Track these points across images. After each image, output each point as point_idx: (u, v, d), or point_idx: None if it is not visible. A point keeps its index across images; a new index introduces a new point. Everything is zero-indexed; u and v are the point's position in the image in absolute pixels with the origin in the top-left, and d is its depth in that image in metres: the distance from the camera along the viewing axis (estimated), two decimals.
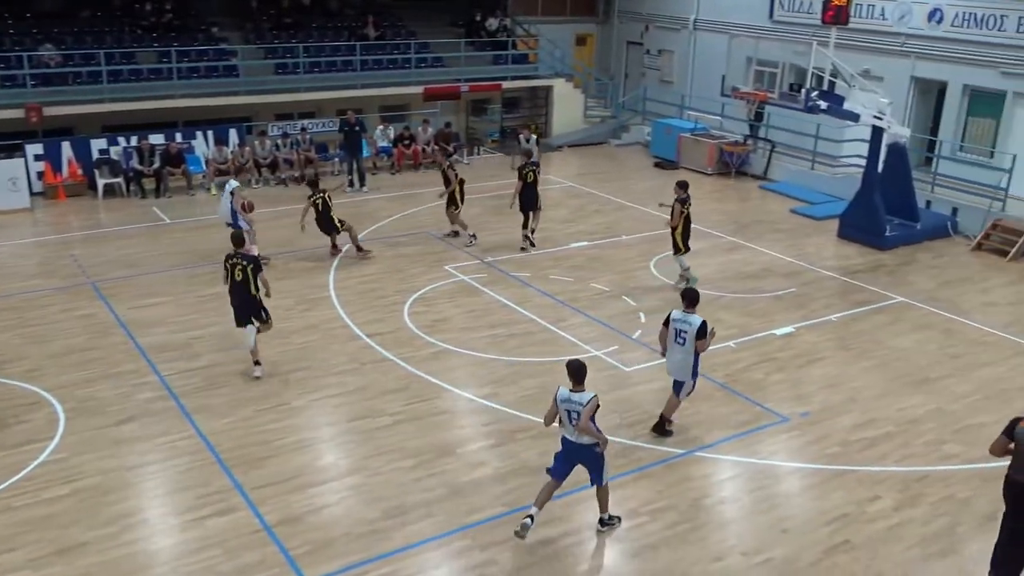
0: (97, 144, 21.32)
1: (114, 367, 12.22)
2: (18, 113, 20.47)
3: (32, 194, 20.11)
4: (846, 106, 17.46)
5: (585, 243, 17.90)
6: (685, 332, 10.21)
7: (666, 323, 10.42)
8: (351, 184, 21.75)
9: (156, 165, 21.05)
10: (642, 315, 14.26)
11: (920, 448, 10.67)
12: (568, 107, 28.17)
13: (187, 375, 12.03)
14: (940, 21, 21.18)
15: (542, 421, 9.05)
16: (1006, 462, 7.95)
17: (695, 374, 10.54)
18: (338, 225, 16.46)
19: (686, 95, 27.49)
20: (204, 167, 21.92)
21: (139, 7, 24.19)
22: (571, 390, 8.56)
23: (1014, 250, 17.62)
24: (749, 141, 24.71)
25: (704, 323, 10.19)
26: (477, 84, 26.16)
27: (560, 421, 8.67)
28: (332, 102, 24.55)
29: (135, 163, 21.04)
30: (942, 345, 13.62)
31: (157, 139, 21.54)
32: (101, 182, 20.83)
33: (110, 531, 8.80)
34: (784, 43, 20.70)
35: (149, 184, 21.10)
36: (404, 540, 8.80)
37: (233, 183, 15.94)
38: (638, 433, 10.78)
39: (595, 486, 8.89)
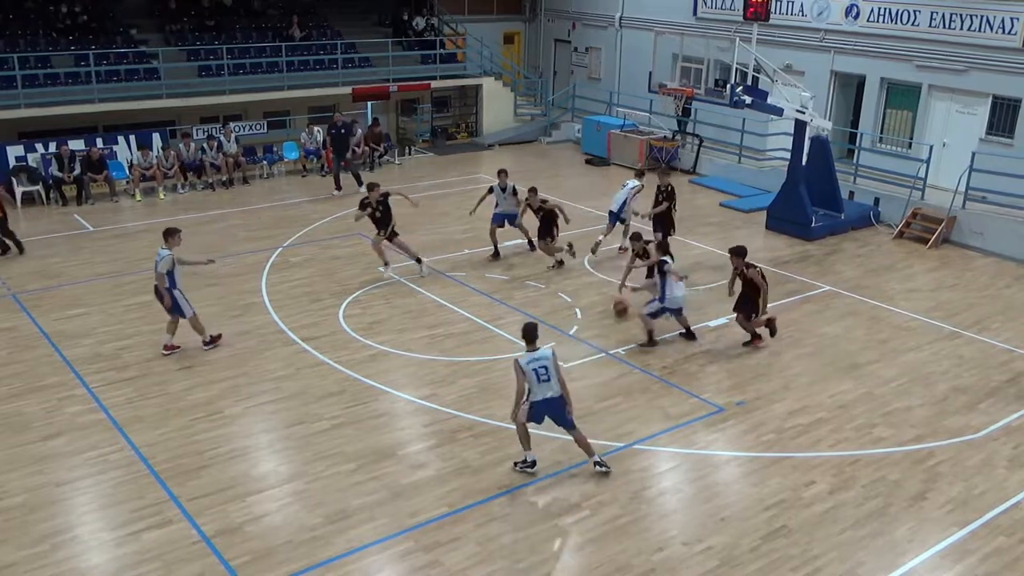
0: (14, 151, 20.60)
1: (39, 380, 11.83)
2: None
3: None
4: (770, 100, 17.85)
5: (519, 241, 17.93)
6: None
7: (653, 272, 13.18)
8: (338, 188, 21.40)
9: (77, 172, 20.42)
10: (578, 311, 14.36)
11: (851, 433, 10.96)
12: (498, 105, 28.22)
13: (117, 386, 11.70)
14: (857, 17, 21.76)
15: (510, 416, 9.79)
16: (933, 443, 8.20)
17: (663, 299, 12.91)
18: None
19: (614, 92, 27.76)
20: (128, 173, 21.35)
21: (53, 9, 23.45)
22: (528, 351, 9.40)
23: (933, 237, 18.23)
24: (677, 137, 25.08)
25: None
26: (406, 84, 26.02)
27: (529, 387, 9.41)
28: (259, 104, 24.18)
29: (54, 170, 20.38)
30: (869, 331, 14.01)
31: (77, 145, 20.89)
32: (19, 190, 20.13)
33: (39, 550, 8.52)
34: (708, 39, 21.02)
35: (70, 192, 20.48)
36: (347, 545, 8.71)
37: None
38: (579, 425, 10.82)
39: (573, 432, 9.70)
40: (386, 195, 15.50)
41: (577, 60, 30.73)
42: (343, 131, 21.75)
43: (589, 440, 9.86)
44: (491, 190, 16.83)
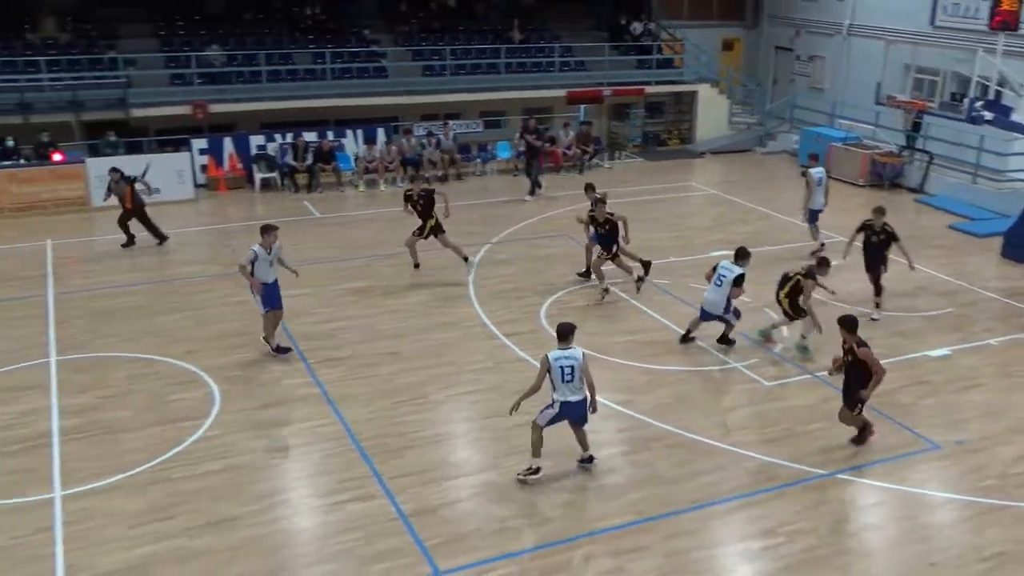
0: (255, 140, 22.46)
1: (264, 353, 12.80)
2: (186, 110, 21.79)
3: (196, 186, 21.40)
4: (1014, 117, 16.47)
5: (725, 252, 17.49)
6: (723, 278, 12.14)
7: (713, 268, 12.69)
8: (532, 193, 21.63)
9: (309, 161, 21.97)
10: (784, 330, 13.84)
11: None
12: (712, 113, 27.69)
13: (332, 364, 12.48)
14: None
15: (510, 408, 9.64)
16: None
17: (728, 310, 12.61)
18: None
19: (837, 103, 26.51)
20: (353, 164, 22.71)
21: (297, 10, 25.31)
22: (560, 347, 9.42)
23: None
24: (905, 152, 23.59)
25: (741, 275, 12.41)
26: (620, 88, 26.06)
27: (553, 384, 9.44)
28: (476, 103, 25.01)
29: (289, 159, 22.02)
30: None
31: (311, 136, 22.48)
32: (258, 176, 21.92)
33: (257, 508, 9.23)
34: (946, 50, 19.67)
35: (302, 179, 22.06)
36: (534, 540, 8.85)
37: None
38: (776, 449, 10.46)
39: (579, 427, 9.80)
40: (430, 192, 15.62)
41: (799, 68, 29.62)
42: (534, 135, 21.99)
43: (786, 463, 9.48)
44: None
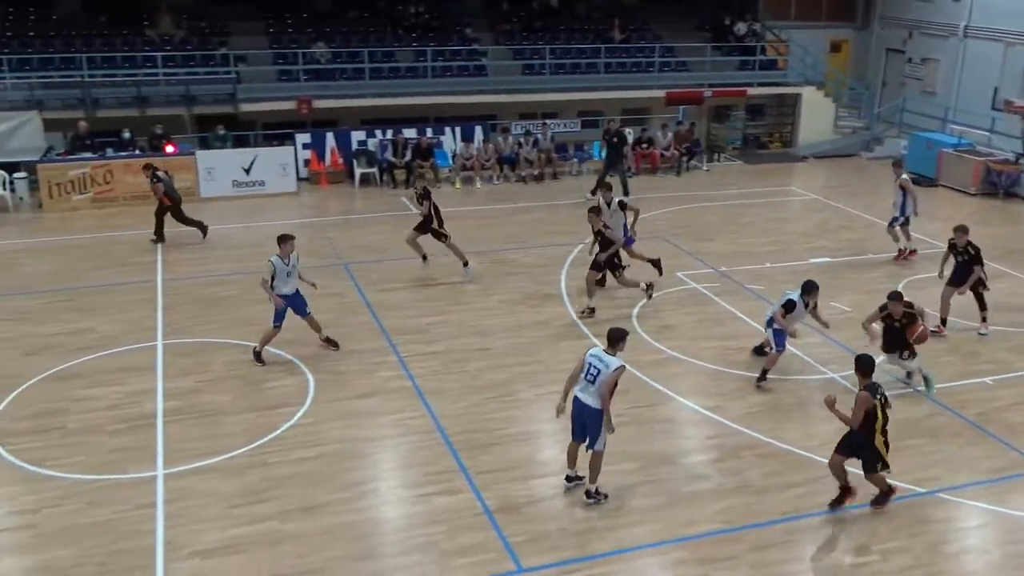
0: (356, 136, 22.95)
1: (359, 344, 13.07)
2: (291, 105, 22.41)
3: (299, 179, 22.00)
4: None
5: (826, 259, 17.04)
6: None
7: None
8: (593, 193, 21.44)
9: (407, 158, 22.32)
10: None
11: None
12: (817, 116, 26.96)
13: (423, 358, 12.65)
14: None
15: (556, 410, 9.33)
16: None
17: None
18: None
19: (950, 107, 25.48)
20: (451, 161, 22.97)
21: (401, 8, 25.73)
22: (604, 350, 9.00)
23: None
24: (1022, 160, 22.51)
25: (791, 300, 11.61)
26: (721, 90, 25.62)
27: (576, 377, 9.09)
28: (574, 103, 24.97)
29: (389, 155, 22.42)
30: None
31: (410, 133, 22.82)
32: (358, 171, 22.39)
33: (346, 496, 9.43)
34: None
35: (400, 175, 22.42)
36: (618, 543, 8.78)
37: None
38: None
39: (590, 450, 9.15)
40: (428, 192, 15.58)
41: (910, 71, 28.54)
42: (615, 139, 21.68)
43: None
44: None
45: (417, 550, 8.62)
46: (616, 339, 9.04)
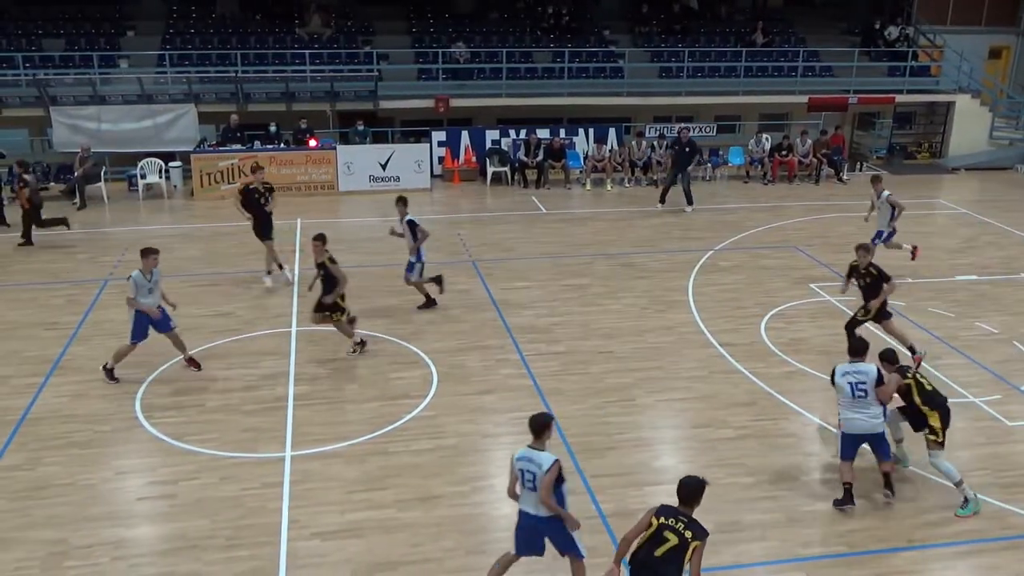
0: (491, 135, 23.26)
1: (482, 340, 13.25)
2: (429, 103, 22.94)
3: (432, 176, 22.49)
4: None
5: (974, 277, 16.14)
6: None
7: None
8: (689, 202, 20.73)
9: (539, 158, 22.46)
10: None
11: None
12: (971, 126, 25.59)
13: (546, 358, 12.71)
14: None
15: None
16: None
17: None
18: None
19: None
20: (582, 163, 22.97)
21: (541, 10, 25.91)
22: (530, 446, 7.32)
23: None
24: None
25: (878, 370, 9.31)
26: (867, 96, 24.64)
27: (513, 490, 7.49)
28: (711, 107, 24.55)
29: (521, 155, 22.63)
30: None
31: (543, 134, 22.96)
32: (490, 170, 22.70)
33: (463, 489, 9.58)
34: None
35: (531, 175, 22.59)
36: (734, 558, 8.58)
37: None
38: (1013, 496, 9.52)
39: (577, 561, 7.56)
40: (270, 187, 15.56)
41: None
42: (687, 148, 20.89)
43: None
44: None
45: None
46: (540, 429, 7.38)
